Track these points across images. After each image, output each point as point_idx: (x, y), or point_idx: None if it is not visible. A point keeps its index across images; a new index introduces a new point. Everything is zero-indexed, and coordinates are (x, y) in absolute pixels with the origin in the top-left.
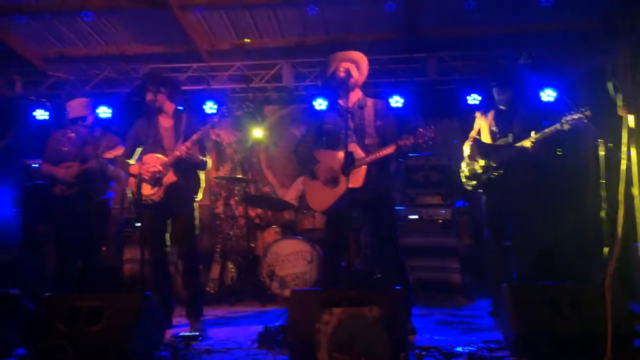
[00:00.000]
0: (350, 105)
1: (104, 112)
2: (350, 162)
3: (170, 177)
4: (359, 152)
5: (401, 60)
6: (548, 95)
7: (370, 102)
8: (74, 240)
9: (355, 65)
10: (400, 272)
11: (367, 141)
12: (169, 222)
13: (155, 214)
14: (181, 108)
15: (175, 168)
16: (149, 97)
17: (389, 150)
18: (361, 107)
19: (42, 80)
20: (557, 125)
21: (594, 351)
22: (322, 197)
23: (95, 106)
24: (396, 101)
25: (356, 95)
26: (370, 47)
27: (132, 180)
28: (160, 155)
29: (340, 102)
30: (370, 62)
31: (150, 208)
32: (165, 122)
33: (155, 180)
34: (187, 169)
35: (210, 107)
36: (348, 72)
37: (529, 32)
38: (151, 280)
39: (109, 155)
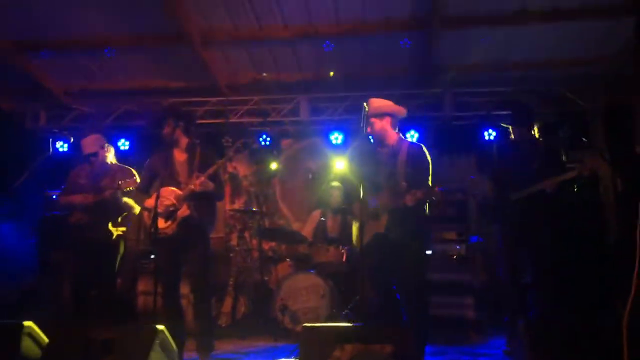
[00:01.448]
0: (382, 150)
1: (123, 144)
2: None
3: (184, 211)
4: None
5: (416, 96)
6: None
7: (405, 146)
8: (89, 269)
9: (385, 115)
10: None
11: (401, 186)
12: (183, 255)
13: (169, 247)
14: (197, 141)
15: (190, 201)
16: (167, 129)
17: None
18: (394, 153)
19: (65, 113)
20: (577, 171)
21: None
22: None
23: (113, 139)
24: (411, 136)
25: (391, 140)
26: (385, 82)
27: (146, 214)
28: (175, 189)
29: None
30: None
31: (165, 241)
32: (180, 156)
33: (169, 214)
34: (201, 202)
35: (227, 141)
36: (377, 133)
37: (545, 69)
38: (163, 312)
39: (125, 186)
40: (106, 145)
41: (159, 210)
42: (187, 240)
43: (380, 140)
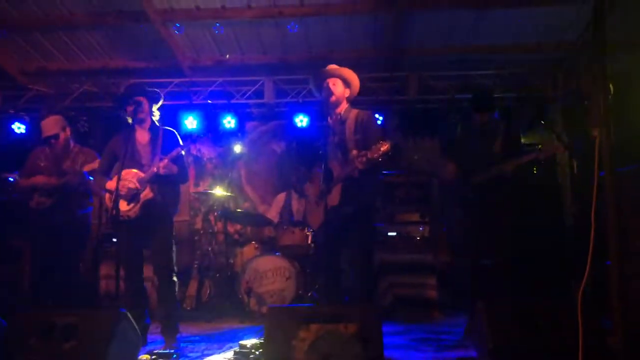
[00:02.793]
0: (331, 120)
1: (82, 126)
2: (328, 180)
3: (147, 194)
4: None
5: (382, 79)
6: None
7: (353, 114)
8: (50, 254)
9: (342, 80)
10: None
11: (351, 154)
12: (146, 239)
13: (132, 230)
14: (158, 123)
15: (153, 184)
16: (130, 107)
17: (350, 168)
18: (342, 122)
19: (21, 94)
20: (535, 155)
21: None
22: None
23: (72, 121)
24: (376, 118)
25: (341, 109)
26: (351, 65)
27: (108, 196)
28: (137, 171)
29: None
30: None
31: (127, 224)
32: (142, 138)
33: (132, 197)
34: (165, 184)
35: (191, 123)
36: (328, 90)
37: (510, 53)
38: (126, 296)
39: (87, 169)
40: (66, 127)
41: (121, 192)
42: (150, 223)
43: (331, 106)
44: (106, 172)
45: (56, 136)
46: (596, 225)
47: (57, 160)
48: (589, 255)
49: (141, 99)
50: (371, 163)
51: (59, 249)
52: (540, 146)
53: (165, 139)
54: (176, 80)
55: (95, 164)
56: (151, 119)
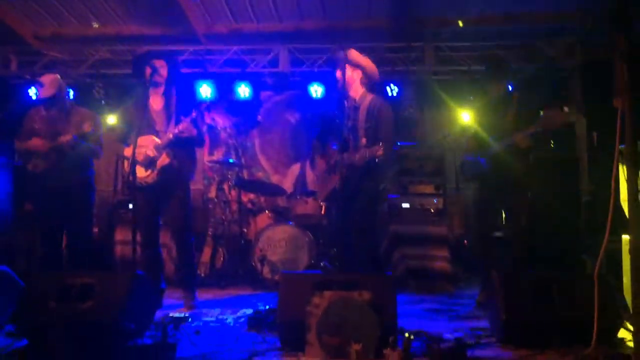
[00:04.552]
0: (347, 104)
1: (98, 92)
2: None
3: (163, 159)
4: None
5: (398, 49)
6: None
7: (367, 101)
8: (55, 218)
9: (358, 67)
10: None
11: (361, 142)
12: (163, 204)
13: (149, 195)
14: (174, 88)
15: (169, 150)
16: (149, 70)
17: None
18: (356, 108)
19: (36, 59)
20: (542, 125)
21: (580, 339)
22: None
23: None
24: (392, 89)
25: (356, 93)
26: (367, 34)
27: (126, 162)
28: (154, 137)
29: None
30: (367, 50)
31: (144, 190)
32: (156, 104)
33: (149, 163)
34: (181, 149)
35: (205, 91)
36: (342, 77)
37: (527, 22)
38: (142, 261)
39: (79, 130)
40: (64, 87)
41: (138, 159)
42: (167, 188)
43: (346, 89)
44: (124, 140)
45: (53, 96)
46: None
47: (52, 122)
48: (607, 230)
49: (160, 62)
50: (367, 161)
51: (63, 212)
52: (545, 118)
53: (178, 104)
54: (191, 48)
55: (86, 126)
56: (166, 84)
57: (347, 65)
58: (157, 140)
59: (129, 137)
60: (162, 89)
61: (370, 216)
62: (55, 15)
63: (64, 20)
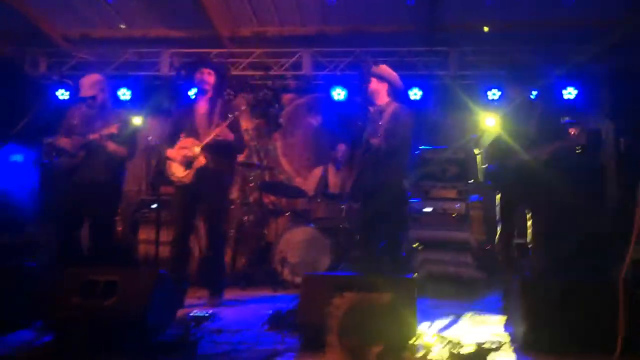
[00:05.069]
0: (373, 109)
1: (124, 94)
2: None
3: (200, 161)
4: None
5: (422, 54)
6: (569, 93)
7: (391, 108)
8: (76, 213)
9: (385, 81)
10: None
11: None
12: (198, 205)
13: (185, 195)
14: (223, 94)
15: (206, 152)
16: (199, 76)
17: None
18: (380, 113)
19: (65, 60)
20: (563, 142)
21: (603, 348)
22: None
23: (114, 87)
24: (414, 93)
25: (382, 102)
26: (390, 38)
27: (168, 163)
28: (194, 140)
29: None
30: (390, 54)
31: (182, 189)
32: (202, 109)
33: (187, 164)
34: (219, 153)
35: (228, 94)
36: (370, 91)
37: (550, 29)
38: (168, 260)
39: (105, 131)
40: (105, 88)
41: (178, 159)
42: (203, 189)
43: (371, 98)
44: (171, 142)
45: (93, 97)
46: None
47: (90, 120)
48: (632, 237)
49: (208, 70)
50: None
51: (85, 208)
52: (573, 132)
53: (222, 109)
54: (215, 51)
55: (112, 128)
56: (212, 91)
57: (373, 78)
58: (197, 142)
59: (174, 139)
60: (208, 95)
61: (394, 210)
62: (84, 17)
63: (92, 22)
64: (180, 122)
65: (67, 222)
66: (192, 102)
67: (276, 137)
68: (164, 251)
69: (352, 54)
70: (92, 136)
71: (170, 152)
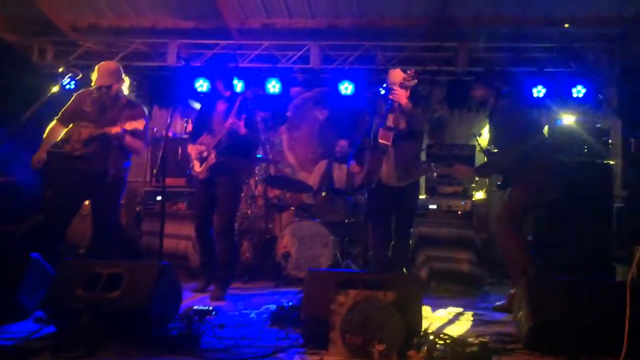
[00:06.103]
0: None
1: (131, 84)
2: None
3: (211, 158)
4: None
5: (431, 49)
6: (578, 91)
7: (409, 107)
8: (74, 200)
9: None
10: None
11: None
12: (214, 198)
13: (201, 189)
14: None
15: (220, 148)
16: (220, 84)
17: None
18: (402, 109)
19: (72, 50)
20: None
21: (609, 349)
22: None
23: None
24: (422, 89)
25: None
26: (400, 32)
27: (191, 158)
28: (210, 137)
29: None
30: (399, 49)
31: (199, 183)
32: (220, 107)
33: (202, 159)
34: (232, 150)
35: (236, 86)
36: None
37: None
38: (199, 249)
39: (129, 126)
40: (122, 78)
41: (195, 155)
42: (215, 184)
43: (394, 102)
44: (194, 139)
45: (109, 86)
46: None
47: (102, 108)
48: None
49: (220, 83)
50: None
51: (83, 197)
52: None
53: (240, 106)
54: (223, 43)
55: (138, 124)
56: (232, 91)
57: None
58: (211, 139)
59: (197, 135)
60: (228, 93)
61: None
62: (92, 6)
63: (100, 12)
64: (202, 119)
65: (62, 206)
66: (215, 100)
67: (282, 130)
68: (168, 243)
69: (361, 48)
70: (113, 129)
71: (190, 148)
